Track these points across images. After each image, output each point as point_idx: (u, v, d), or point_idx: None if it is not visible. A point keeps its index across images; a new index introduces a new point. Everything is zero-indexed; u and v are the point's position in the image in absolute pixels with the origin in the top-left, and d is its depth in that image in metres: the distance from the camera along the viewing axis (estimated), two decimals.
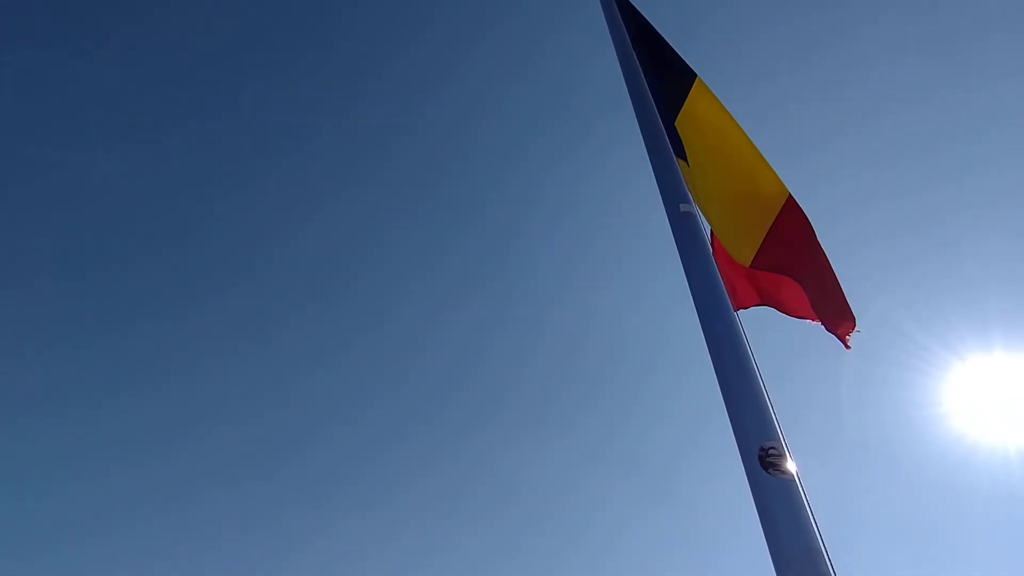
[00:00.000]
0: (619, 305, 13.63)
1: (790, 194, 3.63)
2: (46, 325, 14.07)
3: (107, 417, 14.04)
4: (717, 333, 2.21)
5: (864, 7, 12.38)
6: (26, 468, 13.25)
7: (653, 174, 2.93)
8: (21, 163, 13.57)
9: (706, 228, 2.85)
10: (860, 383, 11.83)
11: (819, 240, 3.63)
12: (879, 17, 12.28)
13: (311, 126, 15.11)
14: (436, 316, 15.17)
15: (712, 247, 3.48)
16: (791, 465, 1.93)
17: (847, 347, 3.49)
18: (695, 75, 3.76)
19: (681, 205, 2.76)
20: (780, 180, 3.64)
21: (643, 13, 3.94)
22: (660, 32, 3.92)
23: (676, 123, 3.70)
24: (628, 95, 3.27)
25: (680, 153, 3.66)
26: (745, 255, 3.66)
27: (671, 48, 3.88)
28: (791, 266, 3.63)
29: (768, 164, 3.66)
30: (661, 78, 3.70)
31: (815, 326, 3.64)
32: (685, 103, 3.72)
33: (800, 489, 1.88)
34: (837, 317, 3.55)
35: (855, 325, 3.53)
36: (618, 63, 3.48)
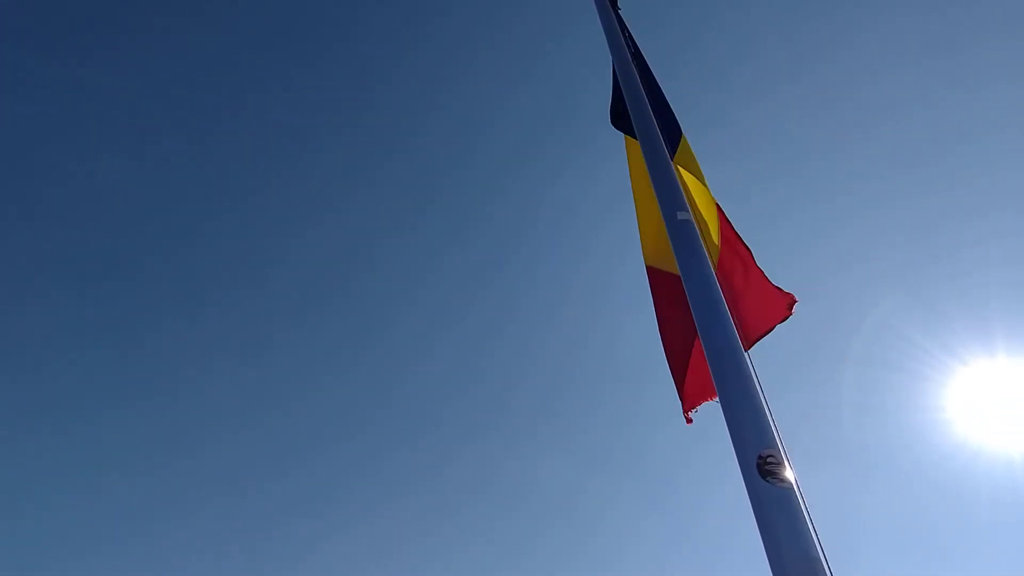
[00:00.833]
0: (619, 312, 13.62)
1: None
2: (53, 333, 14.13)
3: (110, 425, 14.07)
4: (714, 338, 2.21)
5: (865, 12, 12.42)
6: (34, 476, 13.28)
7: (652, 182, 2.94)
8: (25, 168, 13.65)
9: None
10: (862, 388, 11.81)
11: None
12: (881, 22, 12.32)
13: (314, 133, 15.17)
14: (438, 323, 15.21)
15: (719, 256, 3.50)
16: (790, 473, 1.92)
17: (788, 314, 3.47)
18: (681, 133, 3.83)
19: (679, 213, 2.77)
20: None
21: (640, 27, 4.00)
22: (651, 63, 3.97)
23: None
24: (627, 104, 3.29)
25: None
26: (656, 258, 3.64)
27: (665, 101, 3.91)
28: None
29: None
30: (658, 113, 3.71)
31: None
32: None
33: (799, 497, 1.87)
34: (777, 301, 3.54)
35: (792, 298, 3.51)
36: (617, 74, 3.51)
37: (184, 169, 14.67)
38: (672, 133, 3.75)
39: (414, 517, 13.72)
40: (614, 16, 3.77)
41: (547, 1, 12.98)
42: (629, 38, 3.86)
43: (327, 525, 13.83)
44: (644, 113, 3.21)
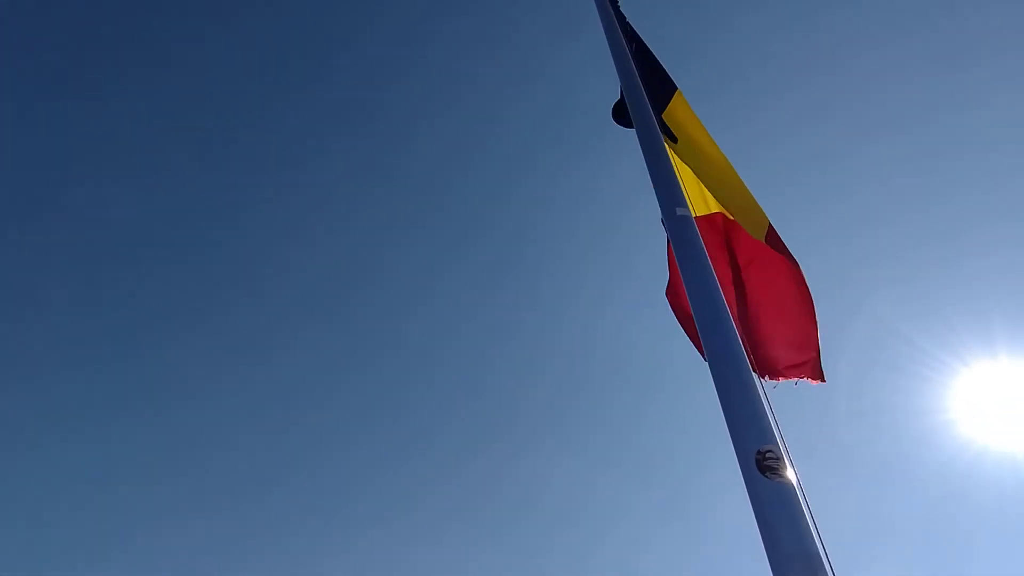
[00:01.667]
0: (630, 314, 13.57)
1: (770, 224, 3.57)
2: (64, 341, 14.15)
3: (120, 432, 14.05)
4: (713, 333, 2.19)
5: (869, 22, 12.42)
6: (44, 483, 13.28)
7: (649, 176, 2.92)
8: (30, 190, 13.67)
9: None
10: (866, 390, 11.79)
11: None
12: (884, 31, 12.32)
13: (320, 139, 15.18)
14: (448, 327, 15.17)
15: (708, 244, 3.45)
16: (790, 470, 1.89)
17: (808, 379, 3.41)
18: (675, 87, 3.83)
19: (678, 209, 2.74)
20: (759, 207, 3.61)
21: (641, 21, 3.99)
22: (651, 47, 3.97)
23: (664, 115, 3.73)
24: (624, 96, 3.27)
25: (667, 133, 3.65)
26: (759, 230, 3.54)
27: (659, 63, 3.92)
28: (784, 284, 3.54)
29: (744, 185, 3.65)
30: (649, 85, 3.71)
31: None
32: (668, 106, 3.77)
33: (799, 494, 1.84)
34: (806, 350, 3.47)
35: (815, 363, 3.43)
36: (617, 74, 3.50)
37: (191, 177, 14.70)
38: (667, 86, 3.79)
39: (425, 522, 13.70)
40: (612, 11, 3.75)
41: (547, 1, 13.00)
42: (631, 33, 3.84)
43: (339, 531, 13.83)
44: (642, 106, 3.19)
